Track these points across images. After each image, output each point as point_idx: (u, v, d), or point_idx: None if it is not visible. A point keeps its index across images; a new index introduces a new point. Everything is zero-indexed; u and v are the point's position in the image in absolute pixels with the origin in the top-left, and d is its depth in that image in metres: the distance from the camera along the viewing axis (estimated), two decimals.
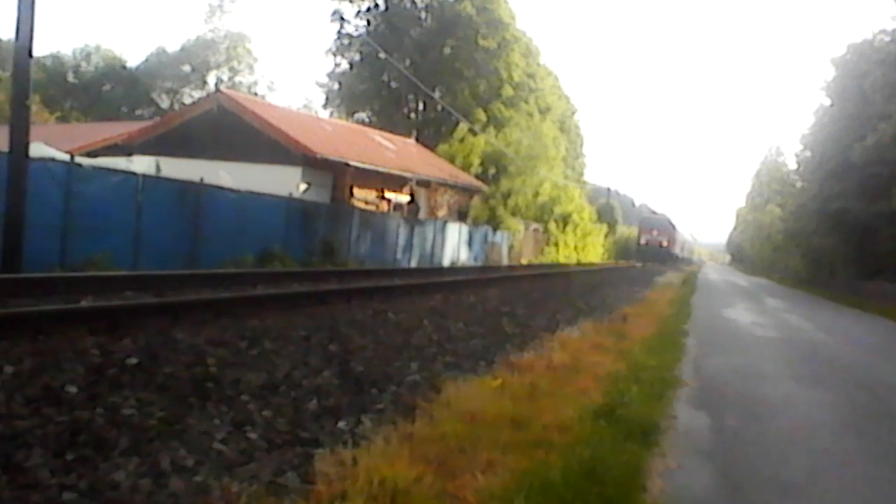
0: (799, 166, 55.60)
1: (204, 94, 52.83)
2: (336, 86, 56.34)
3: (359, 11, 53.57)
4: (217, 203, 17.97)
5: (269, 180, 22.38)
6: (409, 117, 53.52)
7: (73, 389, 5.13)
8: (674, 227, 79.20)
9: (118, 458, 4.24)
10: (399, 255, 27.31)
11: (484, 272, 26.45)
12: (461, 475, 4.49)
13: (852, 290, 38.58)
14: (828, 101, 44.25)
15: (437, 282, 16.91)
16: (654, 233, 72.04)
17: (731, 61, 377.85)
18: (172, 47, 68.15)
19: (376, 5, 52.96)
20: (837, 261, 44.70)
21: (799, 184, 56.45)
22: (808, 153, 49.81)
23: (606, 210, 71.34)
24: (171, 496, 3.89)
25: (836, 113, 41.15)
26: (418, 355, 8.25)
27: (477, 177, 41.39)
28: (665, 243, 71.72)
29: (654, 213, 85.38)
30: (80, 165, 15.05)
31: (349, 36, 53.95)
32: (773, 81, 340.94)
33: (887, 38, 37.34)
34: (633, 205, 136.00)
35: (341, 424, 5.45)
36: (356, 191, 28.32)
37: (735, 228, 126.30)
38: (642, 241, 72.21)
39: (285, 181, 23.99)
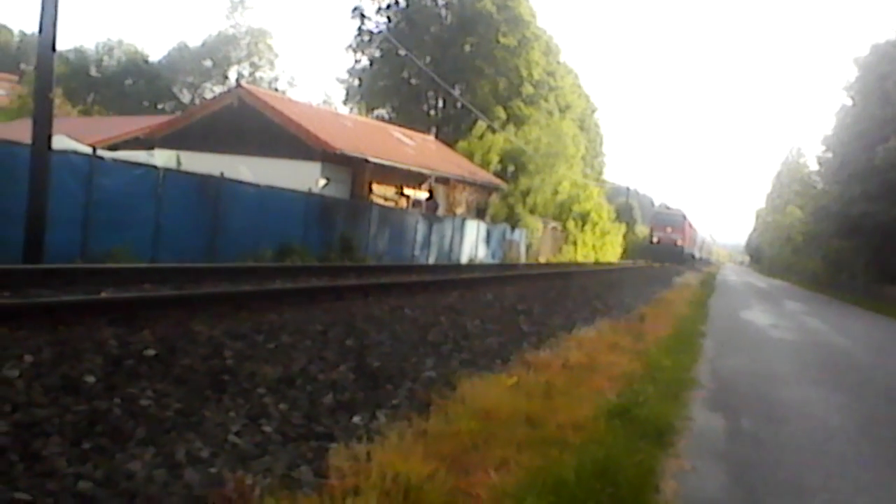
0: (821, 168, 55.09)
1: (225, 89, 53.07)
2: (356, 82, 56.46)
3: (379, 8, 53.70)
4: (236, 197, 18.07)
5: (288, 175, 22.46)
6: (428, 114, 53.54)
7: (91, 379, 5.17)
8: (690, 224, 71.86)
9: (134, 448, 4.28)
10: (417, 252, 27.33)
11: (501, 270, 26.42)
12: (474, 472, 4.49)
13: (872, 294, 38.22)
14: (850, 102, 43.78)
15: (455, 279, 16.91)
16: (668, 230, 64.53)
17: (754, 60, 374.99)
18: (194, 42, 68.96)
19: (397, 2, 53.03)
20: (858, 264, 44.27)
21: (820, 185, 55.93)
22: (829, 154, 49.31)
23: (625, 209, 71.05)
24: (185, 487, 3.92)
25: (859, 114, 40.68)
26: (434, 352, 8.26)
27: (496, 174, 41.37)
28: (680, 242, 64.51)
29: (669, 208, 76.39)
30: (101, 158, 15.17)
31: (369, 32, 54.05)
32: (796, 81, 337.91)
33: None
34: (652, 204, 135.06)
35: (356, 419, 5.47)
36: (375, 187, 28.40)
37: (754, 230, 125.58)
38: (654, 240, 65.17)
39: (305, 176, 24.07)
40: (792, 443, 6.51)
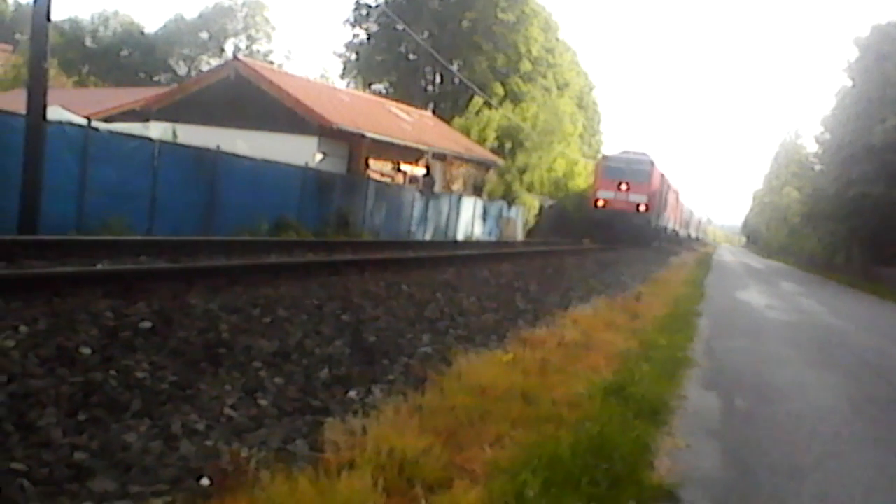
0: (819, 149, 54.94)
1: (221, 61, 52.71)
2: (353, 56, 56.04)
3: None
4: (233, 171, 17.98)
5: (285, 149, 22.35)
6: (426, 89, 53.21)
7: (86, 351, 5.17)
8: (664, 177, 44.95)
9: (130, 419, 4.28)
10: (413, 228, 27.30)
11: (498, 247, 26.42)
12: (469, 447, 4.50)
13: (868, 276, 38.30)
14: (850, 83, 43.56)
15: (451, 255, 16.90)
16: (623, 187, 38.24)
17: (753, 41, 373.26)
18: (190, 14, 68.45)
19: None
20: (854, 245, 44.32)
21: (818, 167, 55.79)
22: (827, 136, 49.14)
23: None
24: (180, 459, 3.92)
25: (858, 95, 40.48)
26: (430, 328, 8.27)
27: (493, 151, 41.17)
28: (644, 207, 38.50)
29: (626, 153, 41.79)
30: (96, 130, 15.06)
31: (367, 6, 53.54)
32: (796, 62, 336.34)
33: None
34: None
35: (352, 394, 5.48)
36: (372, 162, 28.26)
37: (751, 210, 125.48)
38: (600, 203, 39.05)
39: (301, 151, 23.95)
40: (786, 422, 6.53)
